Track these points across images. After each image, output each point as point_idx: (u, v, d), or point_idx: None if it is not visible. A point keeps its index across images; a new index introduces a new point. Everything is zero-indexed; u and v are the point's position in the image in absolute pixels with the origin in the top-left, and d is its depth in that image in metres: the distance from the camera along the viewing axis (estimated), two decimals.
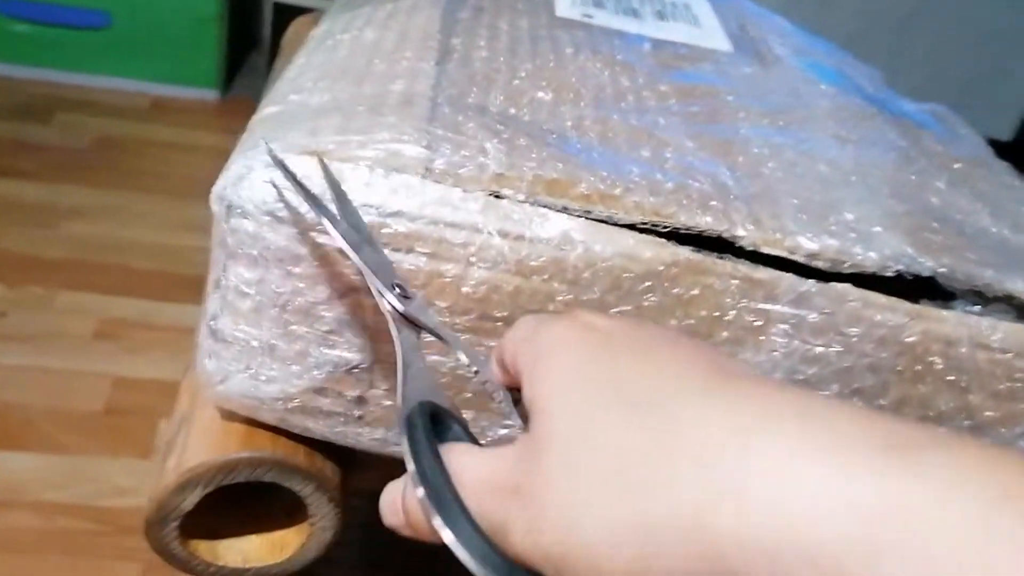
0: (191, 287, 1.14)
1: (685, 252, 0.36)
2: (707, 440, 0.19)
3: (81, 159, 1.47)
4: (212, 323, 0.37)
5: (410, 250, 0.35)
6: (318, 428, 0.38)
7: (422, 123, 0.38)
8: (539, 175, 0.37)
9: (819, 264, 0.36)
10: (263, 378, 0.37)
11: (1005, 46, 1.73)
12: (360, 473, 0.43)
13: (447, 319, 0.36)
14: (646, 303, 0.36)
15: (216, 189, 0.35)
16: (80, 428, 1.06)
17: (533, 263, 0.35)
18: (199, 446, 0.39)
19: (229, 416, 0.39)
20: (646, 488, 0.19)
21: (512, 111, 0.42)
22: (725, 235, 0.36)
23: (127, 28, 1.59)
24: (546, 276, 0.35)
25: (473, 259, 0.35)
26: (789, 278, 0.36)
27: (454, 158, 0.37)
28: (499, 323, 0.36)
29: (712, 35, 0.61)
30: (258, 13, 1.77)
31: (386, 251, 0.35)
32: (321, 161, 0.35)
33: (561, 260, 0.35)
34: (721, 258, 0.36)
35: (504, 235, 0.35)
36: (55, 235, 1.30)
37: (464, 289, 0.35)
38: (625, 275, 0.35)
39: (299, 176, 0.34)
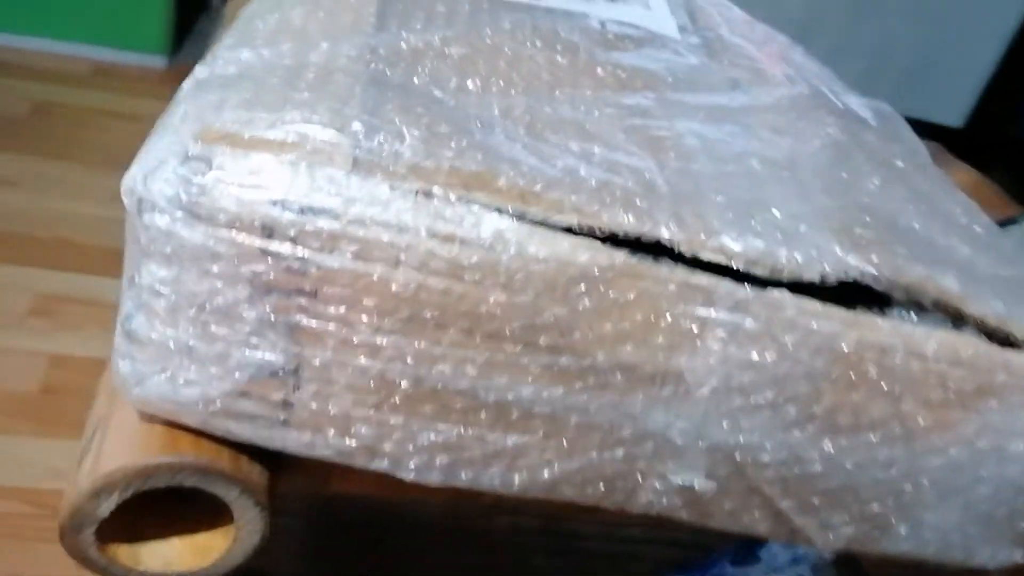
0: None
1: (621, 256, 0.35)
2: None
3: (16, 126, 1.42)
4: (126, 323, 0.35)
5: (334, 249, 0.33)
6: (242, 432, 0.37)
7: (336, 102, 0.36)
8: (456, 167, 0.35)
9: (758, 271, 0.35)
10: (181, 381, 0.35)
11: (957, 32, 1.74)
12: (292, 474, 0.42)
13: (373, 320, 0.35)
14: (581, 306, 0.35)
15: (126, 181, 0.33)
16: (14, 408, 1.03)
17: (464, 264, 0.34)
18: (116, 450, 0.37)
19: (149, 419, 0.37)
20: None
21: (438, 94, 0.40)
22: (647, 235, 0.35)
23: None
24: (478, 277, 0.34)
25: (402, 258, 0.34)
26: (727, 284, 0.35)
27: (369, 144, 0.35)
28: (431, 324, 0.35)
29: (661, 20, 0.59)
30: None
31: (306, 250, 0.33)
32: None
33: (494, 262, 0.34)
34: (657, 262, 0.35)
35: (434, 235, 0.34)
36: None
37: (393, 288, 0.34)
38: (560, 278, 0.34)
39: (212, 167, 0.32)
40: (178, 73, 1.66)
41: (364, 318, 0.35)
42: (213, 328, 0.34)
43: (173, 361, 0.35)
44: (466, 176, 0.35)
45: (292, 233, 0.33)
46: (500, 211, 0.34)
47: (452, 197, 0.34)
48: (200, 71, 0.38)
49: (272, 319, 0.34)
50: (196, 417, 0.36)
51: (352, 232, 0.33)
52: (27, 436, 1.01)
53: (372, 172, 0.34)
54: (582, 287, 0.35)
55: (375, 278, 0.34)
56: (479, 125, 0.38)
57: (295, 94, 0.36)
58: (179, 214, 0.33)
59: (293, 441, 0.37)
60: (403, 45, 0.44)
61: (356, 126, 0.35)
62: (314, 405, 0.36)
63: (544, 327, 0.35)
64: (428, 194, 0.34)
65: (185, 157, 0.33)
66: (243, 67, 0.38)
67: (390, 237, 0.33)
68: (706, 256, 0.36)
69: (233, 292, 0.34)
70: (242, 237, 0.33)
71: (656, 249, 0.35)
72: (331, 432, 0.37)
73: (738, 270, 0.36)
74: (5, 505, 0.93)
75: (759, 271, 0.36)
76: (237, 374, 0.35)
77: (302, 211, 0.33)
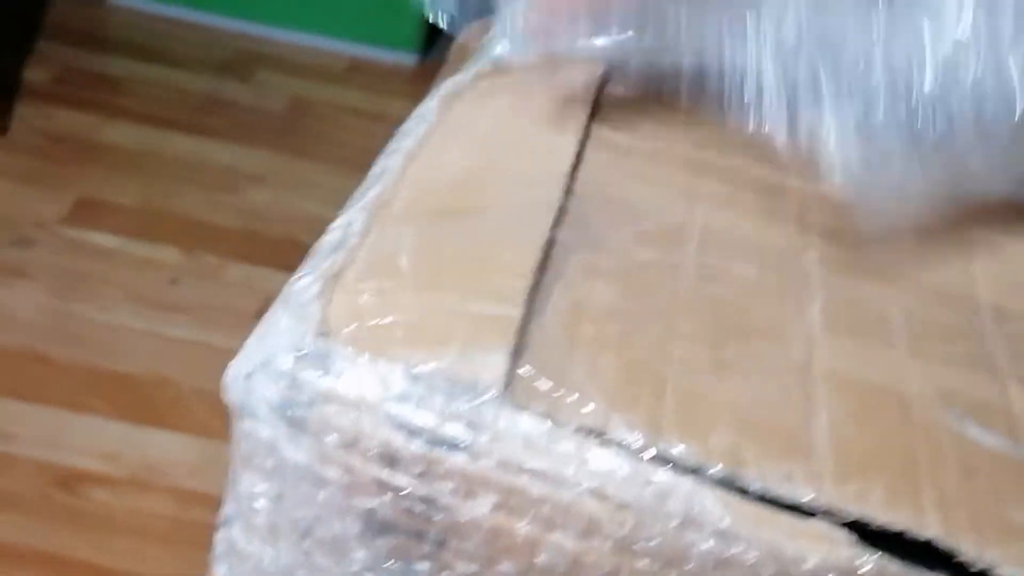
0: None
1: (876, 562, 0.24)
2: None
3: (272, 122, 1.47)
4: (225, 528, 0.29)
5: (469, 495, 0.25)
6: None
7: (519, 283, 0.28)
8: (648, 398, 0.26)
9: None
10: None
11: None
12: None
13: None
14: None
15: (228, 375, 0.27)
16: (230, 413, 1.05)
17: (641, 543, 0.24)
18: None
19: None
20: None
21: (655, 277, 0.30)
22: (916, 532, 0.24)
23: None
24: (658, 565, 0.24)
25: (557, 521, 0.25)
26: None
27: (546, 351, 0.26)
28: None
29: None
30: None
31: (434, 491, 0.25)
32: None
33: (684, 546, 0.24)
34: (932, 573, 0.24)
35: (602, 497, 0.24)
36: (234, 201, 1.30)
37: (539, 559, 0.25)
38: None
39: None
40: (427, 71, 1.66)
41: None
42: (318, 559, 0.27)
43: None
44: (680, 418, 0.25)
45: (418, 469, 0.25)
46: (699, 472, 0.24)
47: (637, 443, 0.25)
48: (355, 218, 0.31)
49: (388, 564, 0.27)
50: None
51: (494, 478, 0.25)
52: None
53: (531, 398, 0.25)
54: None
55: (518, 540, 0.25)
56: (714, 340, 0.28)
57: (459, 274, 0.28)
58: (283, 427, 0.26)
59: None
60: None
61: (514, 313, 0.26)
62: None
63: None
64: (602, 437, 0.25)
65: (299, 353, 0.26)
66: (407, 227, 0.30)
67: (543, 491, 0.25)
68: (1007, 572, 0.24)
69: (342, 525, 0.26)
70: (357, 463, 0.25)
71: (930, 553, 0.24)
72: None
73: None
74: (205, 514, 0.94)
75: None
76: None
77: (433, 442, 0.25)
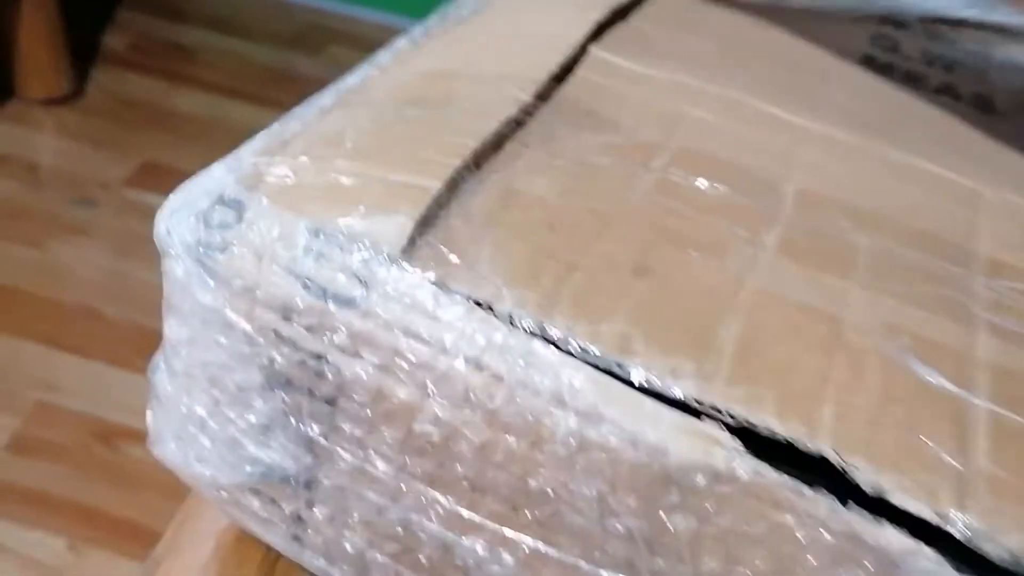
0: None
1: (748, 464, 0.22)
2: None
3: None
4: (152, 372, 0.30)
5: (356, 354, 0.25)
6: (258, 531, 0.30)
7: (449, 160, 0.27)
8: (575, 289, 0.25)
9: (990, 551, 0.21)
10: (193, 455, 0.29)
11: None
12: None
13: (395, 455, 0.26)
14: (671, 523, 0.23)
15: (157, 215, 0.28)
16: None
17: (509, 419, 0.24)
18: None
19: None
20: None
21: (607, 182, 0.29)
22: (805, 445, 0.22)
23: None
24: (525, 444, 0.24)
25: (431, 390, 0.24)
26: (929, 555, 0.21)
27: (459, 227, 0.26)
28: (463, 481, 0.25)
29: None
30: None
31: (324, 346, 0.25)
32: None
33: (549, 427, 0.23)
34: (812, 489, 0.22)
35: (478, 367, 0.24)
36: None
37: (416, 426, 0.25)
38: (640, 476, 0.23)
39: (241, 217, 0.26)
40: None
41: (385, 449, 0.26)
42: (224, 408, 0.28)
43: (187, 430, 0.29)
44: (578, 300, 0.24)
45: (309, 321, 0.25)
46: (579, 353, 0.23)
47: (521, 320, 0.24)
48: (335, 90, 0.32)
49: (285, 418, 0.27)
50: (213, 499, 0.31)
51: (378, 337, 0.25)
52: None
53: (427, 264, 0.25)
54: (673, 497, 0.23)
55: (396, 403, 0.25)
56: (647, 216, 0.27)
57: (396, 150, 0.28)
58: (194, 268, 0.26)
59: (308, 562, 0.30)
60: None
61: (432, 185, 0.26)
62: (329, 531, 0.28)
63: (615, 536, 0.24)
64: (488, 308, 0.24)
65: (220, 199, 0.27)
66: (367, 110, 0.31)
67: (421, 357, 0.24)
68: (899, 500, 0.22)
69: (245, 374, 0.27)
70: (259, 312, 0.26)
71: (816, 464, 0.22)
72: (347, 568, 0.29)
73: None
74: None
75: (994, 551, 0.21)
76: (248, 468, 0.29)
77: (325, 296, 0.25)
